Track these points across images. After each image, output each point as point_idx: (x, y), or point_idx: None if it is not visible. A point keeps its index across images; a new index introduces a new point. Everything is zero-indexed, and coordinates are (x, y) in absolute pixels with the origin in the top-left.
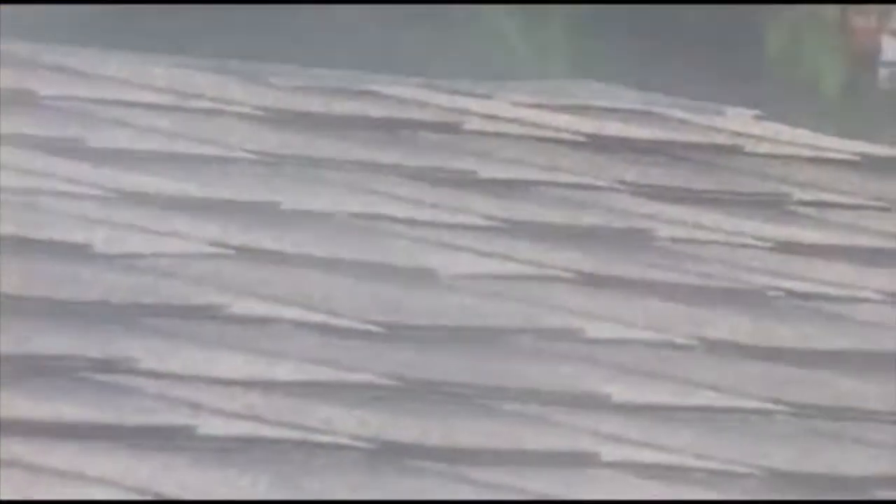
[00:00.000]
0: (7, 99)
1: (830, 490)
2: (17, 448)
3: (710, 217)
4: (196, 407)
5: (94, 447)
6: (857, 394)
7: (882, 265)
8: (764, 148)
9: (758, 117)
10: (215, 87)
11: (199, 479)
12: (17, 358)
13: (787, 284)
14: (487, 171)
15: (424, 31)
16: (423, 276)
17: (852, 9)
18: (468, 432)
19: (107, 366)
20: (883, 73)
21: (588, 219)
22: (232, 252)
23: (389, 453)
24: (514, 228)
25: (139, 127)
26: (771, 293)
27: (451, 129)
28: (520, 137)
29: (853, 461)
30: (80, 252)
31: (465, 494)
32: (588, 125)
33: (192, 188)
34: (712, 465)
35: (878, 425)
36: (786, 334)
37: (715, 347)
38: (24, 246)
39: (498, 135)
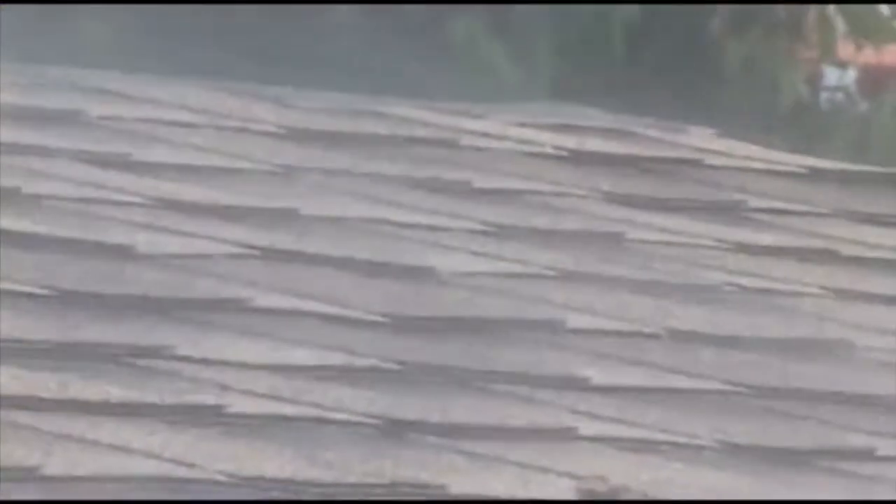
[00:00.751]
0: (62, 119)
1: (780, 461)
2: (70, 424)
3: (674, 221)
4: (225, 388)
5: (136, 423)
6: (803, 376)
7: (824, 263)
8: (722, 161)
9: (716, 134)
10: (242, 109)
11: (228, 452)
12: (69, 345)
13: (742, 281)
14: (480, 182)
15: (426, 57)
16: (424, 274)
17: (799, 41)
18: (463, 410)
19: (147, 352)
20: (824, 96)
21: (568, 223)
22: (257, 252)
23: (394, 428)
24: (504, 232)
25: (176, 143)
26: (727, 288)
27: (448, 144)
28: (509, 152)
29: (801, 436)
30: (124, 252)
31: (460, 465)
32: (569, 142)
33: (222, 196)
34: (676, 438)
35: (821, 404)
36: (740, 324)
37: (678, 336)
38: (77, 247)
39: (490, 150)
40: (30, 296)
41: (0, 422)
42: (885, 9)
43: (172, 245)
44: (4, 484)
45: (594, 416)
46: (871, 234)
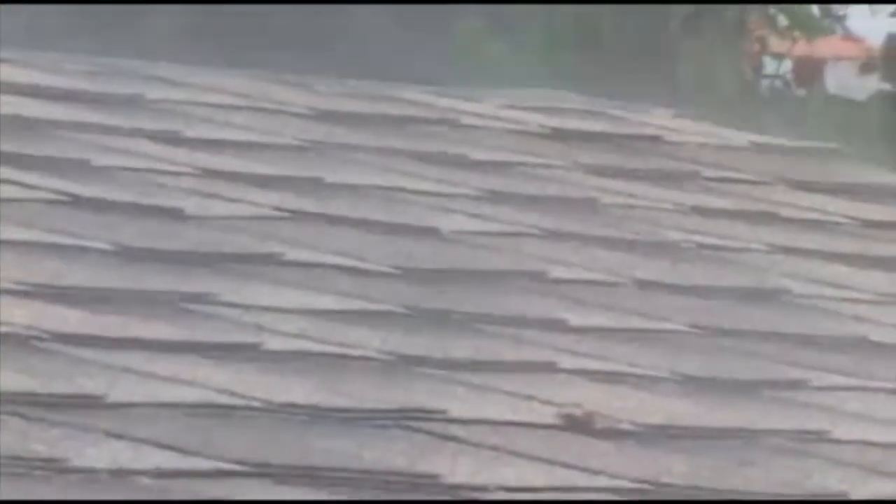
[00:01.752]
0: (125, 102)
1: (729, 391)
2: (130, 359)
3: (639, 188)
4: (261, 329)
5: (185, 359)
6: (749, 319)
7: (767, 224)
8: (679, 138)
9: (674, 115)
10: (275, 93)
11: (263, 384)
12: (130, 292)
13: (698, 238)
14: (477, 155)
15: (432, 49)
16: (429, 232)
17: (744, 36)
18: (461, 347)
19: (195, 298)
20: (764, 83)
21: (551, 190)
22: (287, 214)
23: (403, 363)
24: (497, 197)
25: (220, 122)
26: (685, 245)
27: (450, 123)
28: (501, 130)
29: (747, 370)
30: (175, 214)
31: (458, 393)
32: (552, 121)
33: (257, 167)
34: (640, 371)
35: (764, 342)
36: (696, 275)
37: (643, 285)
38: (137, 210)
39: (485, 128)
40: (97, 251)
41: (71, 356)
42: (815, 8)
43: (216, 208)
44: (75, 408)
45: (572, 353)
46: (805, 198)
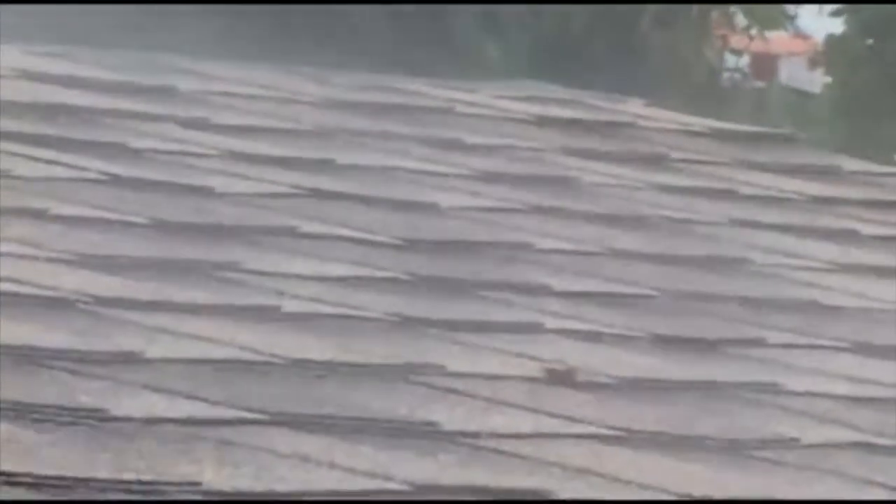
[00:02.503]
0: (160, 92)
1: (693, 348)
2: (166, 320)
3: (616, 169)
4: (280, 293)
5: (213, 319)
6: (711, 284)
7: (728, 200)
8: (650, 124)
9: (646, 104)
10: (292, 85)
11: (282, 342)
12: (166, 261)
13: (666, 213)
14: (471, 139)
15: (431, 47)
16: (430, 208)
17: (706, 34)
18: (458, 310)
19: (222, 266)
20: (725, 76)
21: (536, 170)
22: (304, 192)
23: (407, 324)
24: (489, 176)
25: (243, 110)
26: (655, 219)
27: (447, 111)
28: (492, 117)
29: (710, 329)
30: (205, 192)
31: (455, 351)
32: (536, 109)
33: (277, 150)
34: (615, 330)
35: (725, 305)
36: (665, 245)
37: (618, 254)
38: (171, 188)
39: (478, 115)
40: (136, 224)
41: (112, 318)
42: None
43: (241, 186)
44: (116, 364)
45: (556, 315)
46: (762, 178)
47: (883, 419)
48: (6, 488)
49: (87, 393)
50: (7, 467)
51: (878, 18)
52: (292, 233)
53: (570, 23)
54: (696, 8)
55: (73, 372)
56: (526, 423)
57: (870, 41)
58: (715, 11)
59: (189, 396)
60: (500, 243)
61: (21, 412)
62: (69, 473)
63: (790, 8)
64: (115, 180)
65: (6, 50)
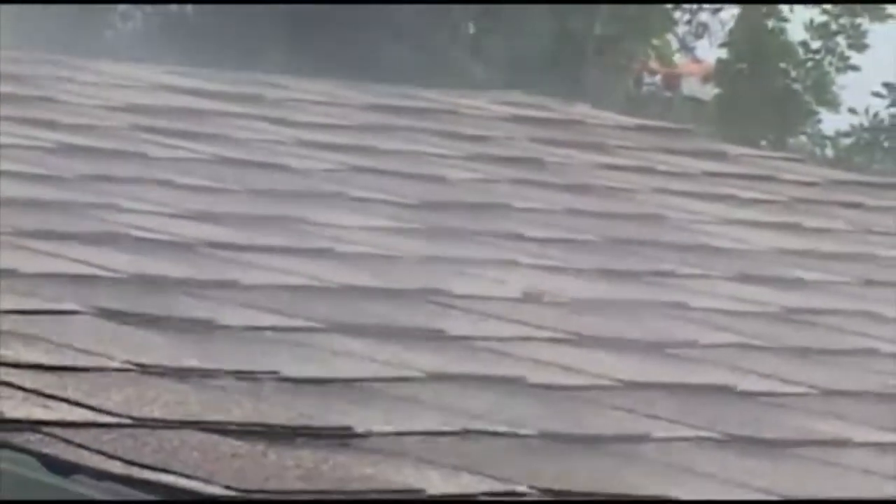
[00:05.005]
0: (250, 99)
1: (624, 277)
2: (255, 258)
3: (570, 153)
4: (337, 239)
5: (288, 257)
6: (638, 232)
7: (649, 174)
8: (594, 121)
9: (591, 107)
10: (344, 93)
11: (336, 273)
12: (253, 216)
13: (606, 183)
14: (469, 132)
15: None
16: (439, 179)
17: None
18: (460, 251)
19: (295, 220)
20: (644, 88)
21: (513, 153)
22: (351, 167)
23: (426, 260)
24: (482, 158)
25: (310, 111)
26: (598, 187)
27: (452, 113)
28: (483, 116)
29: (636, 264)
30: (283, 168)
31: (458, 281)
32: (513, 111)
33: (334, 139)
34: (571, 266)
35: (647, 248)
36: (605, 206)
37: (572, 212)
38: (261, 165)
39: (476, 116)
40: (235, 191)
41: (217, 256)
42: (674, 43)
43: (308, 164)
44: (220, 289)
45: (528, 254)
46: (671, 159)
47: (756, 327)
48: (144, 377)
49: (199, 309)
50: (144, 360)
51: (749, 49)
52: (343, 196)
53: (536, 47)
54: (625, 39)
55: (190, 294)
56: (508, 330)
57: (744, 65)
58: (637, 44)
59: (271, 311)
60: (489, 204)
61: (152, 321)
62: (181, 366)
63: (690, 41)
64: (221, 160)
65: (149, 69)
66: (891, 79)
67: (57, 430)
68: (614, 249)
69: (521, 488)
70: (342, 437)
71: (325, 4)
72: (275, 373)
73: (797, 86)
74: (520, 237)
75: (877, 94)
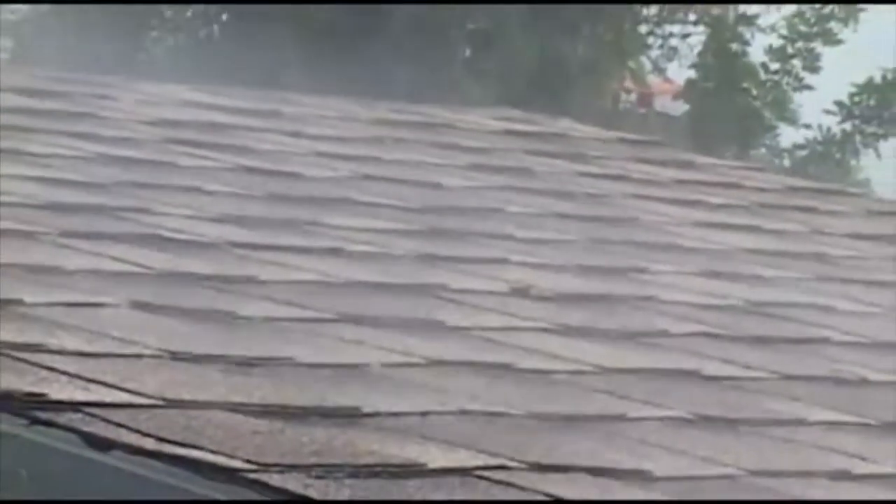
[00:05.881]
0: (267, 113)
1: (601, 272)
2: (273, 256)
3: (555, 162)
4: (346, 239)
5: (302, 256)
6: (614, 232)
7: (623, 181)
8: (576, 134)
9: (573, 121)
10: (352, 108)
11: (345, 269)
12: (272, 219)
13: (586, 189)
14: (467, 143)
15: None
16: (438, 186)
17: (611, 77)
18: (455, 250)
19: (307, 222)
20: (620, 105)
21: (504, 163)
22: (359, 175)
23: (424, 258)
24: (478, 168)
25: (322, 124)
26: (579, 193)
27: (452, 126)
28: (477, 130)
29: (612, 260)
30: (297, 176)
31: (454, 276)
32: (504, 125)
33: (342, 149)
34: (555, 262)
35: (619, 245)
36: (585, 209)
37: (556, 215)
38: (276, 173)
39: (472, 129)
40: (254, 196)
41: (238, 255)
42: (648, 66)
43: (320, 172)
44: (241, 284)
45: (517, 252)
46: (645, 168)
47: (721, 318)
48: (174, 362)
49: (222, 301)
50: (174, 347)
51: (715, 70)
52: (351, 201)
53: (525, 68)
54: (604, 63)
55: (215, 288)
56: (499, 321)
57: (711, 84)
58: (615, 67)
59: (289, 303)
60: (482, 208)
61: (181, 312)
62: (207, 352)
63: (662, 63)
64: (243, 169)
65: (177, 87)
66: (841, 97)
67: (96, 411)
68: (594, 249)
69: (512, 463)
70: (351, 416)
71: (341, 36)
72: (290, 359)
73: (758, 103)
74: (510, 238)
75: (829, 112)
